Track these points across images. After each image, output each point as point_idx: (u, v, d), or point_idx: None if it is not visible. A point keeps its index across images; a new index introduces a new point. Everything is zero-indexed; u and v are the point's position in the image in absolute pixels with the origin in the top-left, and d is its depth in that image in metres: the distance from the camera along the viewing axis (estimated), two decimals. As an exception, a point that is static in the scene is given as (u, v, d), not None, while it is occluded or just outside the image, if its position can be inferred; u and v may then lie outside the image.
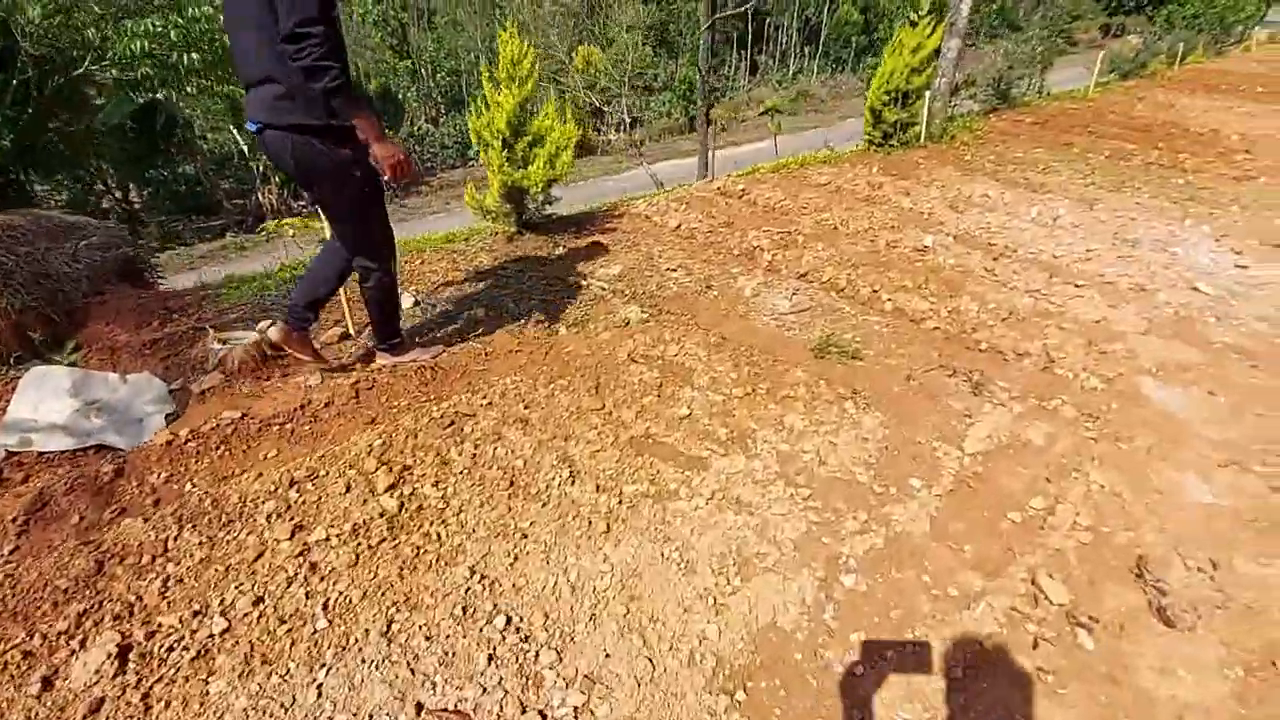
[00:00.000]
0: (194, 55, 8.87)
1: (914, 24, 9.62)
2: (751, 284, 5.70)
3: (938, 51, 10.04)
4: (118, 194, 21.57)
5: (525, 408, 4.07)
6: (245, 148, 22.24)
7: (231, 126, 22.06)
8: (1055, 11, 18.85)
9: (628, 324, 5.05)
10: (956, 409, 4.26)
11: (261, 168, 22.62)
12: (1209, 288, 6.10)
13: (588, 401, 4.15)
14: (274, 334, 4.11)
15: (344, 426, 3.92)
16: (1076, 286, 6.11)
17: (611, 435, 3.86)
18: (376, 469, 3.51)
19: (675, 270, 5.97)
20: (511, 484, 3.46)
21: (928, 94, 9.88)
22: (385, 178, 3.62)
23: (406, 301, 5.18)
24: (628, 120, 35.54)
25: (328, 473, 3.53)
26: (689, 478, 3.57)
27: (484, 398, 4.15)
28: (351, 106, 3.19)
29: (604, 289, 5.53)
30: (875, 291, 5.67)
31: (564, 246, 6.28)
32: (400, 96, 36.77)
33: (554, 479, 3.49)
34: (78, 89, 8.78)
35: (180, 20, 8.47)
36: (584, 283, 5.62)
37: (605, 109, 34.91)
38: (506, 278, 5.69)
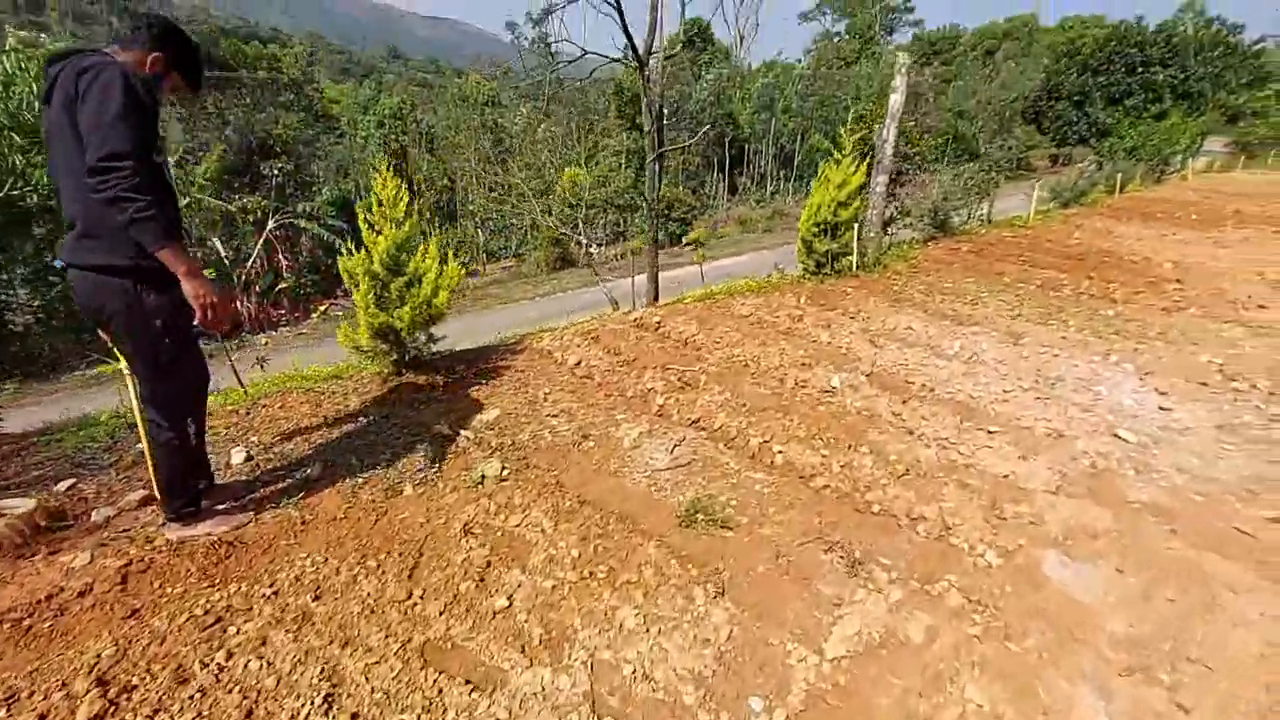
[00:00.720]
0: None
1: (838, 161, 9.81)
2: (634, 433, 5.25)
3: (865, 186, 10.18)
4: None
5: (315, 599, 3.48)
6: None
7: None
8: (1013, 142, 19.79)
9: (480, 483, 4.54)
10: (826, 595, 3.70)
11: (247, 278, 22.62)
12: (1130, 434, 5.70)
13: (393, 590, 3.57)
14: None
15: (91, 624, 3.30)
16: (989, 433, 5.70)
17: (402, 639, 3.26)
18: (88, 691, 2.87)
19: (557, 416, 5.53)
20: (248, 716, 2.81)
21: (856, 226, 9.92)
22: (196, 322, 3.26)
23: (238, 456, 4.68)
24: (602, 237, 36.67)
25: (31, 694, 2.88)
26: (474, 702, 2.94)
27: (271, 585, 3.56)
28: (159, 239, 2.93)
29: (470, 439, 5.06)
30: (767, 442, 5.22)
31: (443, 389, 5.87)
32: (387, 212, 37.91)
33: (303, 708, 2.84)
34: None
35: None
36: (451, 431, 5.15)
37: (583, 225, 36.04)
38: (366, 425, 5.22)
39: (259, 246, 26.34)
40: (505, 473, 4.74)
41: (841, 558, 4.03)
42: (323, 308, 29.64)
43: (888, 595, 3.77)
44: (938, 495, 4.68)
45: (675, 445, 5.17)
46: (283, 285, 27.08)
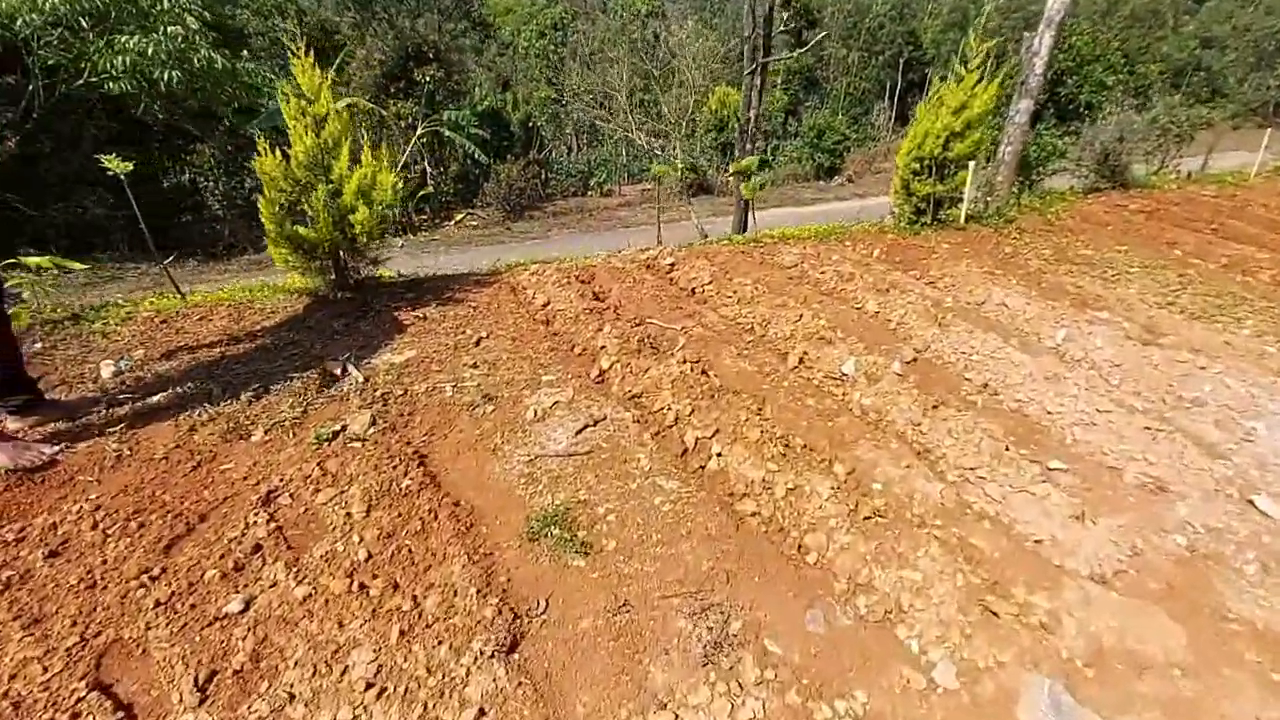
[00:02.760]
0: (175, 73, 8.90)
1: (959, 79, 7.61)
2: (548, 402, 4.25)
3: (998, 112, 7.90)
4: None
5: (48, 557, 3.01)
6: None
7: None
8: (1273, 81, 15.32)
9: (330, 440, 3.80)
10: (653, 688, 2.60)
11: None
12: (1272, 506, 3.82)
13: (135, 562, 3.00)
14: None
15: None
16: (1045, 470, 4.07)
17: (89, 635, 2.65)
18: None
19: (476, 367, 4.64)
20: None
21: (972, 165, 7.76)
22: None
23: (107, 370, 4.29)
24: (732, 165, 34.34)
25: None
26: (91, 746, 2.25)
27: (21, 531, 3.10)
28: None
29: (357, 383, 4.32)
30: (707, 438, 4.01)
31: (373, 319, 5.15)
32: (533, 125, 37.99)
33: (-95, 705, 2.31)
34: (76, 102, 9.06)
35: (160, 37, 8.49)
36: (343, 370, 4.43)
37: (713, 150, 33.81)
38: (262, 350, 4.66)
39: (407, 152, 27.20)
40: (371, 431, 3.95)
41: (708, 630, 2.85)
42: (459, 216, 30.59)
43: (748, 708, 2.58)
44: (907, 557, 3.27)
45: (588, 425, 4.10)
46: (424, 191, 28.04)
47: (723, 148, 34.00)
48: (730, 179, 32.99)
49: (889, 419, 4.50)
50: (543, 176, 32.93)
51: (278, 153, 4.67)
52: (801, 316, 5.49)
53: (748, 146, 11.54)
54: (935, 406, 4.56)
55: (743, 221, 12.23)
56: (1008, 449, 4.24)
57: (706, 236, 11.96)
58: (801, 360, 5.06)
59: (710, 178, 34.66)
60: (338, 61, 25.84)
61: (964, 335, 5.58)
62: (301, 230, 4.63)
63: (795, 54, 21.49)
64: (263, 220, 4.65)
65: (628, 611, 2.94)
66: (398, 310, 5.35)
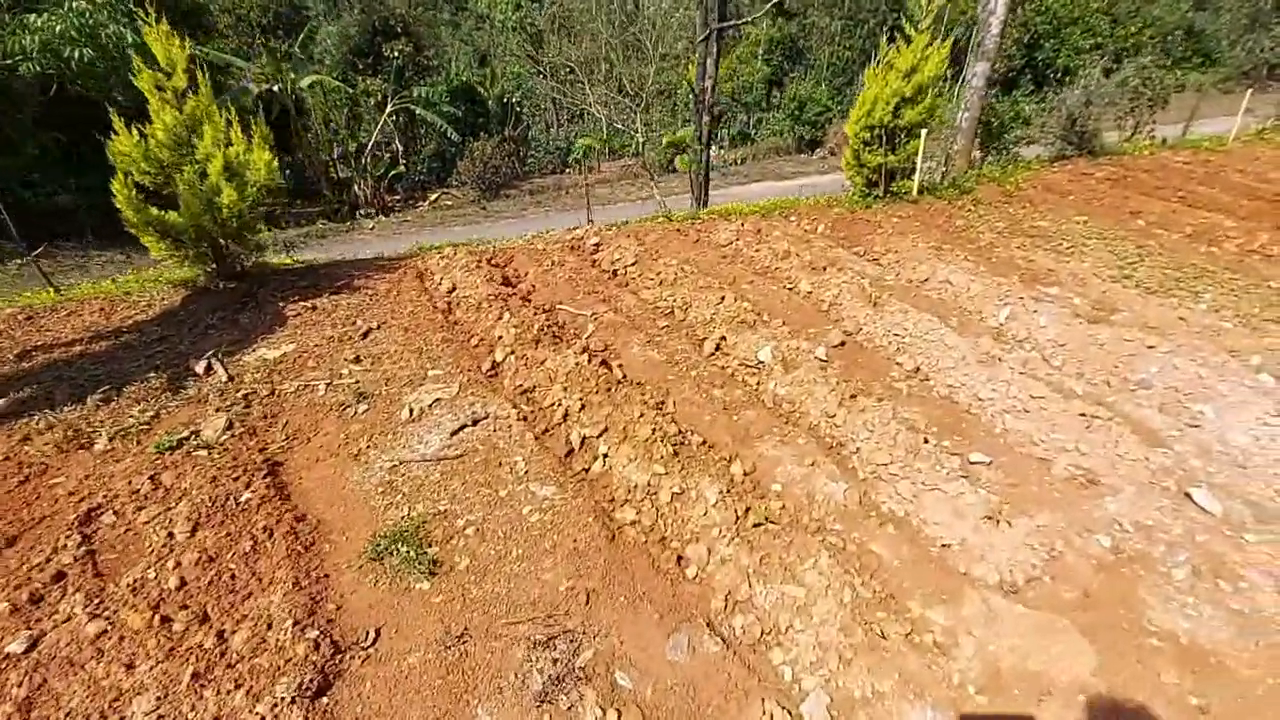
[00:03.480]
0: (85, 50, 8.37)
1: (908, 40, 7.16)
2: (429, 399, 3.88)
3: (953, 77, 7.47)
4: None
5: None
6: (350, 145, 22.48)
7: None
8: (1267, 43, 14.86)
9: (172, 448, 3.44)
10: None
11: (364, 161, 22.90)
12: (1214, 499, 3.52)
13: None
14: None
15: None
16: (967, 465, 3.73)
17: None
18: None
19: (358, 363, 4.27)
20: None
21: (924, 133, 7.34)
22: None
23: (-59, 376, 3.87)
24: (723, 139, 33.66)
25: None
26: None
27: None
28: None
29: (220, 384, 3.93)
30: (598, 436, 3.66)
31: (254, 310, 4.76)
32: (509, 101, 37.07)
33: None
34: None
35: (68, 13, 7.95)
36: (208, 368, 4.05)
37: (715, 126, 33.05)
38: (126, 346, 4.27)
39: (377, 130, 26.47)
40: (224, 437, 3.58)
41: (552, 662, 2.52)
42: (434, 196, 29.87)
43: (575, 752, 2.26)
44: (793, 570, 2.95)
45: (466, 425, 3.74)
46: (395, 171, 27.34)
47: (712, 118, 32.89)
48: (710, 154, 32.08)
49: (802, 410, 4.15)
50: (520, 154, 32.20)
51: (134, 131, 4.24)
52: (724, 299, 5.11)
53: (703, 118, 11.05)
54: (854, 396, 4.21)
55: (700, 197, 11.78)
56: (927, 441, 3.90)
57: (670, 213, 11.54)
58: (719, 347, 4.69)
59: (691, 152, 33.79)
60: (301, 37, 24.98)
61: (899, 316, 5.22)
62: (166, 215, 4.22)
63: (753, 19, 20.68)
64: (119, 206, 4.22)
65: (465, 642, 2.61)
66: (285, 300, 4.96)
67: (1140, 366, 4.79)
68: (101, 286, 5.02)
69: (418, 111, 29.05)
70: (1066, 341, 5.14)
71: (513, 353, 4.35)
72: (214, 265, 4.75)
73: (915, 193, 7.76)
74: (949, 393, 4.57)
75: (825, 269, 5.92)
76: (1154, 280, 5.99)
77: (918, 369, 4.82)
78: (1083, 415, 4.21)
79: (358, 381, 4.10)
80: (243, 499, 3.19)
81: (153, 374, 4.04)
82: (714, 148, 34.87)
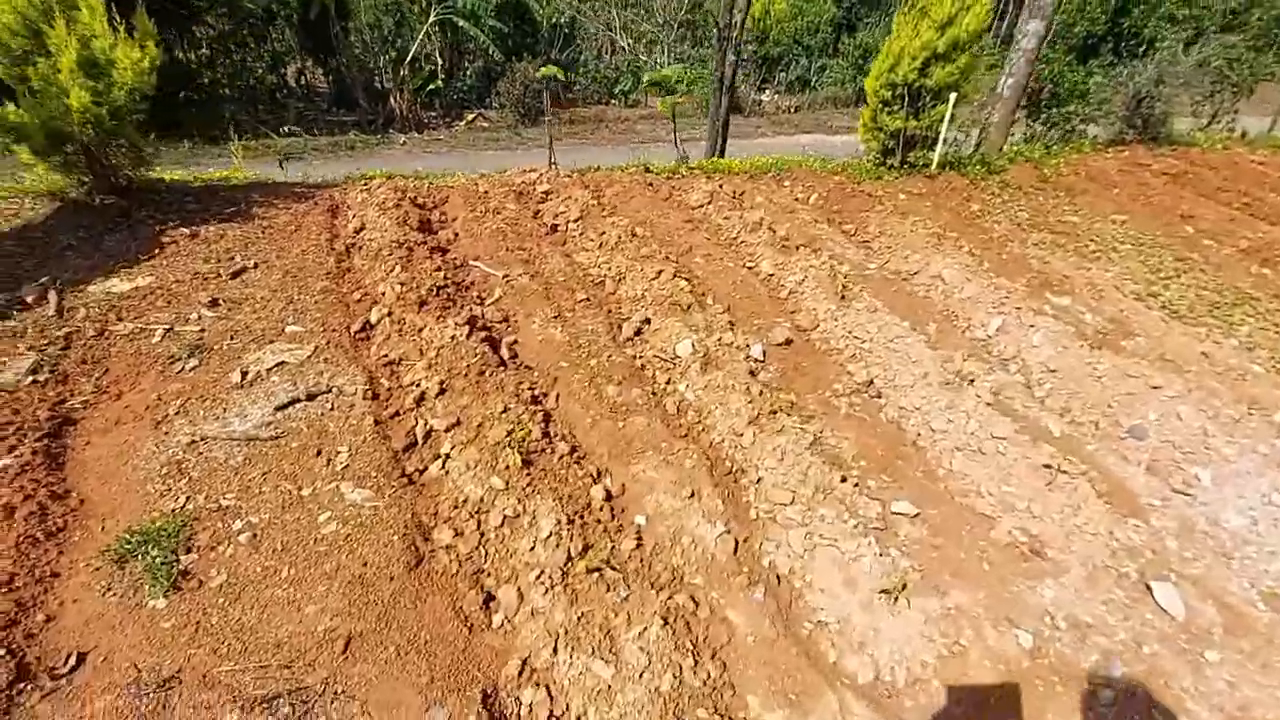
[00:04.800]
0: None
1: (949, -17, 6.05)
2: (271, 362, 3.34)
3: (1000, 36, 6.35)
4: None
5: None
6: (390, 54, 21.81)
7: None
8: None
9: None
10: None
11: (403, 73, 22.18)
12: (1174, 599, 2.83)
13: None
14: None
15: None
16: (883, 513, 3.06)
17: None
18: None
19: (215, 306, 3.73)
20: None
21: (953, 97, 6.30)
22: None
23: None
24: (777, 83, 31.56)
25: None
26: None
27: None
28: None
29: (51, 316, 3.43)
30: (447, 430, 3.08)
31: (125, 233, 4.23)
32: (558, 23, 35.44)
33: None
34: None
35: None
36: (45, 298, 3.54)
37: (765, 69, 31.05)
38: None
39: (418, 41, 25.40)
40: (26, 381, 3.10)
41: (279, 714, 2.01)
42: (470, 116, 28.86)
43: None
44: (615, 638, 2.37)
45: (301, 398, 3.18)
46: (434, 86, 26.34)
47: (763, 61, 31.04)
48: (761, 99, 30.42)
49: (707, 424, 3.49)
50: (564, 79, 30.78)
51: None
52: (661, 273, 4.39)
53: (726, 56, 9.96)
54: (774, 412, 3.52)
55: (716, 146, 10.80)
56: (845, 479, 3.23)
57: (686, 159, 10.63)
58: (639, 332, 4.01)
59: (741, 94, 31.89)
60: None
61: (866, 314, 4.44)
62: (7, 112, 3.63)
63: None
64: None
65: (169, 690, 2.11)
66: (165, 224, 4.40)
67: (1138, 410, 3.98)
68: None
69: (461, 24, 27.76)
70: (1059, 368, 4.32)
71: (390, 314, 3.75)
72: (89, 177, 4.16)
73: (934, 166, 6.76)
74: (898, 417, 3.85)
75: (798, 248, 5.11)
76: (1185, 302, 5.05)
77: (870, 382, 4.08)
78: (1048, 466, 3.47)
79: (202, 331, 3.55)
80: (0, 464, 2.70)
81: (-13, 298, 3.54)
82: (768, 92, 32.88)
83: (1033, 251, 5.58)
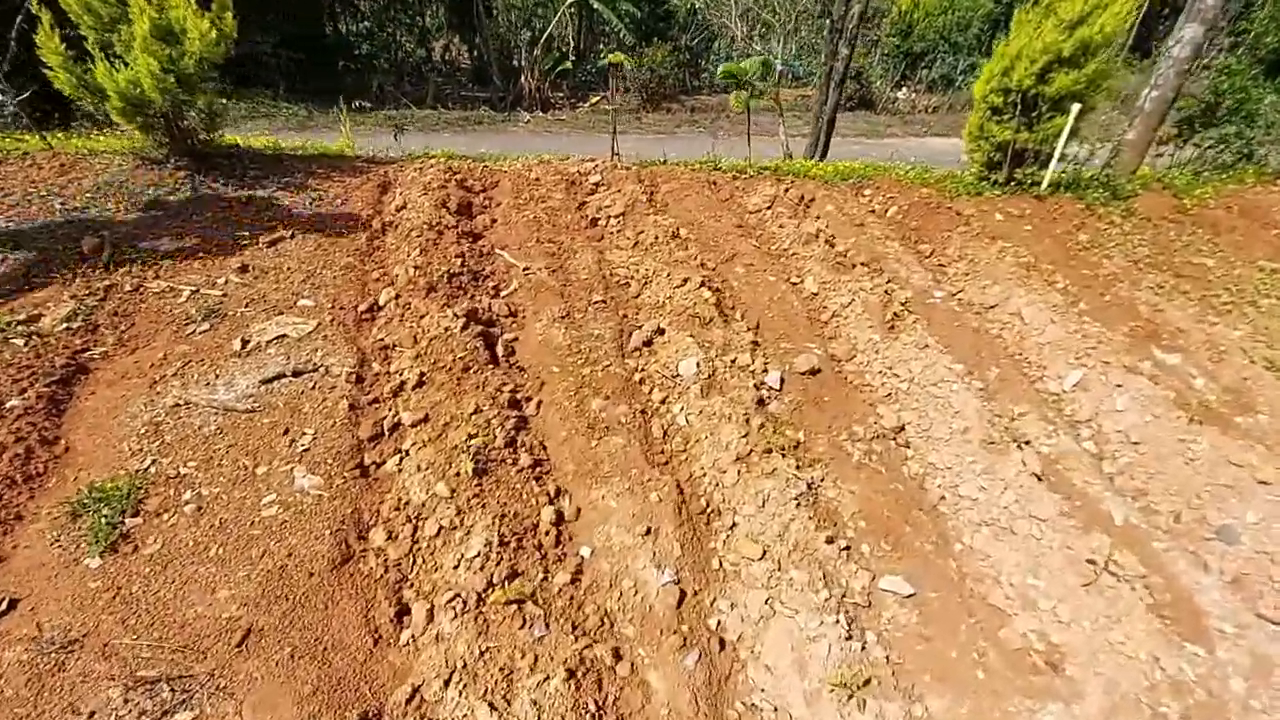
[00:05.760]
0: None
1: (1086, -24, 5.24)
2: (273, 334, 3.45)
3: (1147, 40, 5.49)
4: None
5: None
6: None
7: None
8: None
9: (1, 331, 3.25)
10: None
11: (535, 53, 22.98)
12: None
13: None
14: None
15: None
16: (869, 588, 2.70)
17: None
18: None
19: (243, 272, 3.90)
20: None
21: (1075, 109, 5.47)
22: None
23: None
24: (917, 82, 29.57)
25: None
26: None
27: None
28: None
29: (98, 270, 3.70)
30: (414, 425, 3.02)
31: (186, 195, 4.46)
32: (694, 8, 35.07)
33: None
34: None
35: None
36: (101, 250, 3.83)
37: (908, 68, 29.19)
38: (41, 211, 4.13)
39: (554, 22, 25.99)
40: (60, 328, 3.35)
41: (138, 717, 2.00)
42: (595, 99, 29.21)
43: None
44: (512, 683, 2.21)
45: (287, 374, 3.22)
46: (563, 67, 26.85)
47: (904, 56, 29.09)
48: (897, 96, 28.46)
49: (692, 454, 3.18)
50: (695, 66, 30.39)
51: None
52: (687, 281, 4.08)
53: (839, 50, 9.29)
54: (769, 451, 3.16)
55: (819, 144, 10.18)
56: (831, 540, 2.84)
57: (790, 157, 10.13)
58: (648, 342, 3.75)
59: (876, 90, 30.11)
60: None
61: (913, 350, 3.92)
62: (98, 76, 3.90)
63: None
64: (46, 60, 3.95)
65: (71, 652, 2.15)
66: (226, 189, 4.63)
67: (1233, 507, 3.25)
68: (75, 142, 4.94)
69: (596, 6, 27.98)
70: (1143, 441, 3.62)
71: (397, 297, 3.71)
72: (167, 139, 4.43)
73: (1045, 186, 5.91)
74: (922, 474, 3.36)
75: (855, 266, 4.61)
76: (1337, 377, 4.08)
77: (901, 428, 3.60)
78: (1092, 561, 2.88)
79: (223, 296, 3.68)
80: (8, 405, 2.89)
81: (45, 245, 3.84)
82: (904, 90, 30.80)
83: (1145, 296, 4.74)
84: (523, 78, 24.98)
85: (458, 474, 2.80)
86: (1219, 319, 4.58)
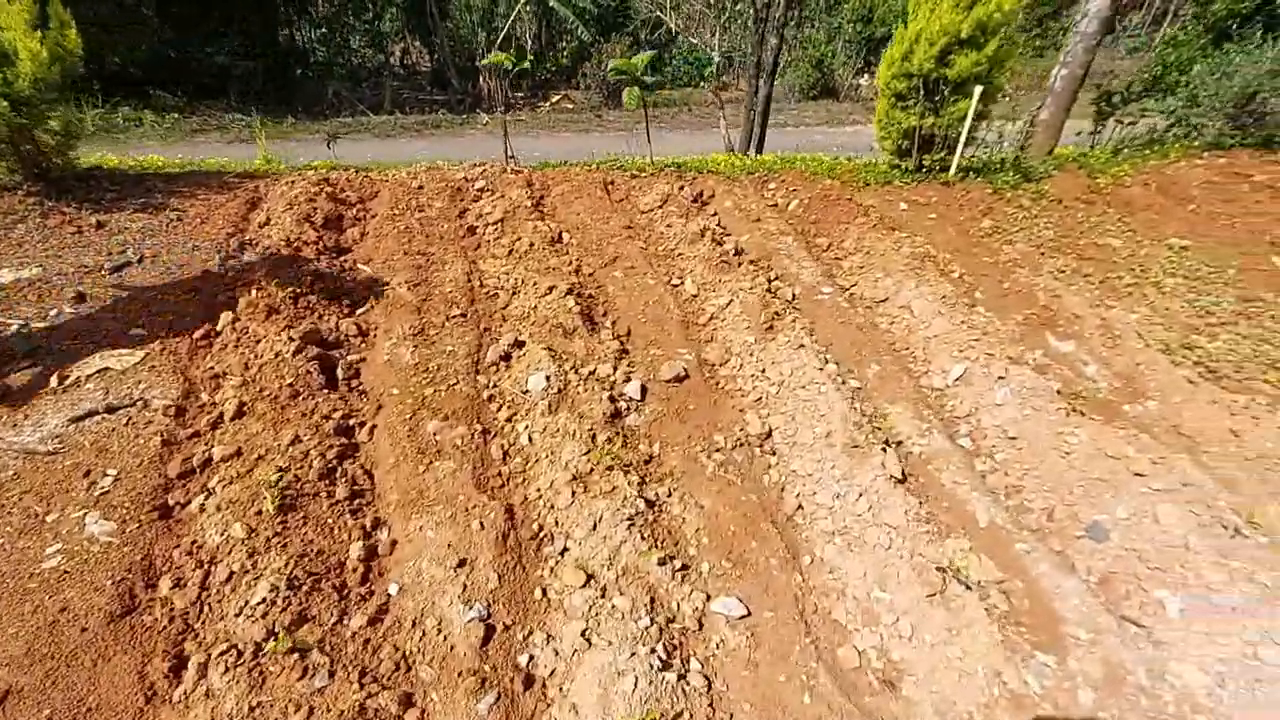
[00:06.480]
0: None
1: (980, -46, 5.13)
2: (96, 366, 3.25)
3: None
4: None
5: None
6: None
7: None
8: None
9: None
10: None
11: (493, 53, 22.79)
12: None
13: None
14: None
15: None
16: (703, 611, 2.55)
17: None
18: None
19: (78, 304, 3.68)
20: None
21: (978, 91, 5.35)
22: None
23: None
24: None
25: None
26: None
27: None
28: None
29: None
30: (222, 461, 2.85)
31: (34, 220, 4.26)
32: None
33: None
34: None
35: None
36: None
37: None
38: None
39: (510, 21, 25.76)
40: None
41: None
42: (555, 98, 28.99)
43: None
44: None
45: (99, 411, 3.04)
46: (521, 66, 26.56)
47: (867, 43, 28.99)
48: (859, 84, 28.33)
49: (531, 474, 3.03)
50: (659, 61, 30.21)
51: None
52: (553, 289, 3.92)
53: (770, 40, 9.15)
54: (614, 466, 3.01)
55: (752, 137, 10.06)
56: (665, 562, 2.69)
57: (733, 150, 10.01)
58: (505, 358, 3.59)
59: (839, 78, 30.00)
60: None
61: (788, 350, 3.78)
62: None
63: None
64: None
65: None
66: (79, 214, 4.41)
67: (1106, 502, 3.13)
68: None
69: (552, 3, 27.73)
70: (1020, 435, 3.51)
71: (235, 321, 3.53)
72: (18, 164, 4.24)
73: (953, 172, 5.79)
74: (781, 482, 3.23)
75: (742, 265, 4.47)
76: (1232, 358, 3.99)
77: (768, 435, 3.47)
78: (943, 569, 2.75)
79: (53, 329, 3.48)
80: None
81: None
82: (866, 77, 30.69)
83: (1044, 281, 4.62)
84: (482, 79, 24.79)
85: (259, 512, 2.64)
86: (1117, 302, 4.47)
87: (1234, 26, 10.08)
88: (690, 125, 26.49)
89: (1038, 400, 3.62)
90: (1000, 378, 3.77)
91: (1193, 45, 8.88)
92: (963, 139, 5.67)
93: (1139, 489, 3.16)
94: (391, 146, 12.63)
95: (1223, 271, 4.83)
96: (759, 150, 10.06)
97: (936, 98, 5.61)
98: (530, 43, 29.67)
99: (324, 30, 23.52)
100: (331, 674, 2.26)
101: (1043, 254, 4.94)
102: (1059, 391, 3.69)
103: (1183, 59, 7.86)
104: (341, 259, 4.29)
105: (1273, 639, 2.61)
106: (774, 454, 3.38)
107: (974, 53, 5.34)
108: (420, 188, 5.14)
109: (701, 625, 2.58)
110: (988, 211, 5.39)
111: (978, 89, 5.46)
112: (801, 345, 3.82)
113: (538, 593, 2.63)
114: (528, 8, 27.02)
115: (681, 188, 5.28)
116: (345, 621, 2.43)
